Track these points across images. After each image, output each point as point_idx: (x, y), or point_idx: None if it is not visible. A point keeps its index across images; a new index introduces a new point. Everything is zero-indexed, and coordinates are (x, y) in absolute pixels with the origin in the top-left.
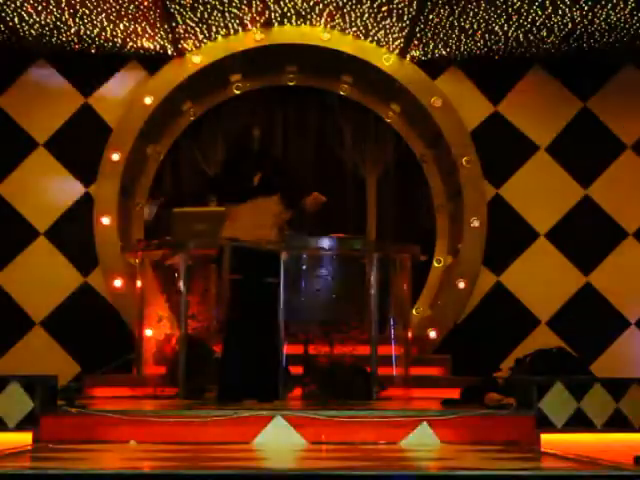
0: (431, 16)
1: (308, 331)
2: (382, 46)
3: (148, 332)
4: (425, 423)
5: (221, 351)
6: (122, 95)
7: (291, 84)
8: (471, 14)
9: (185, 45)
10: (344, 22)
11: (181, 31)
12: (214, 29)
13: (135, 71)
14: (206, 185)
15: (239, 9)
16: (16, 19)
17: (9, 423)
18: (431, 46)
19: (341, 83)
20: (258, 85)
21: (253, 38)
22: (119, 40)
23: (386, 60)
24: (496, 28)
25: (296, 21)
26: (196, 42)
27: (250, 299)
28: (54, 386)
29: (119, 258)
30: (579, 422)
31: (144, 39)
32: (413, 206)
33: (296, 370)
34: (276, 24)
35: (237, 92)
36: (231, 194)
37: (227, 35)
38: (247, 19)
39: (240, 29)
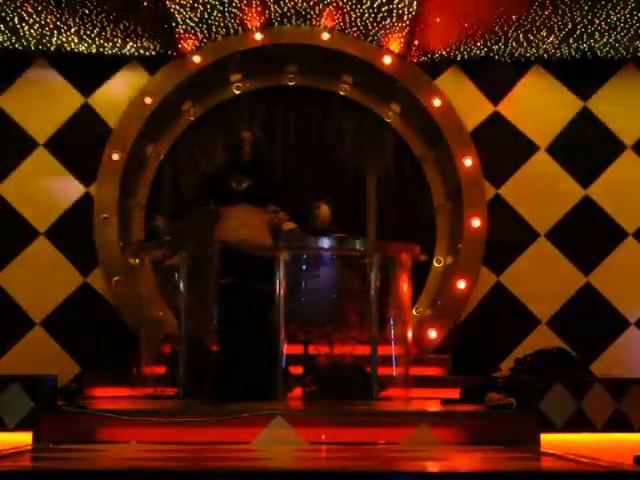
0: (431, 16)
1: (308, 331)
2: (382, 46)
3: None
4: (425, 423)
5: (216, 354)
6: (122, 95)
7: (291, 84)
8: (471, 14)
9: (185, 45)
10: (344, 22)
11: (181, 31)
12: (214, 29)
13: (135, 71)
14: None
15: (239, 9)
16: (16, 19)
17: (9, 423)
18: (431, 46)
19: (341, 83)
20: (258, 85)
21: (253, 38)
22: (119, 40)
23: (386, 60)
24: (496, 28)
25: (296, 21)
26: (196, 42)
27: (241, 305)
28: (54, 386)
29: (119, 258)
30: (579, 422)
31: (144, 39)
32: (413, 206)
33: (296, 370)
34: (276, 24)
35: (237, 92)
36: (218, 196)
37: (227, 35)
38: (247, 19)
39: (240, 29)
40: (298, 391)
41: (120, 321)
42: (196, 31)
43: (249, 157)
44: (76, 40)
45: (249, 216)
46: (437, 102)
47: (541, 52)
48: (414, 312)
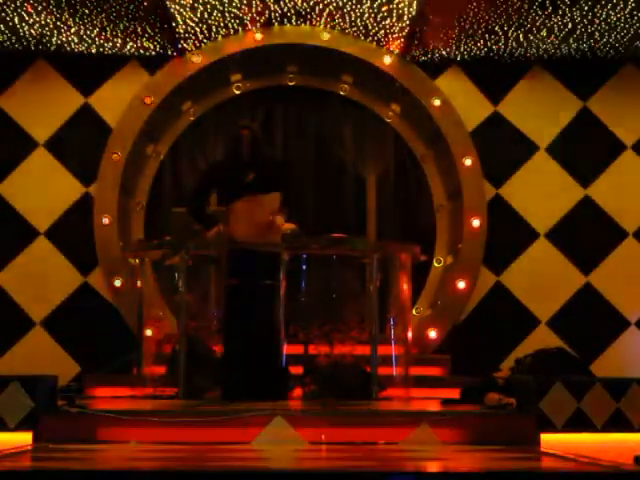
0: (431, 16)
1: (308, 331)
2: (382, 46)
3: (148, 332)
4: (425, 423)
5: (222, 352)
6: (122, 95)
7: (291, 84)
8: (471, 14)
9: (185, 45)
10: (344, 22)
11: (181, 31)
12: (214, 29)
13: (135, 71)
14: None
15: (239, 9)
16: (16, 19)
17: (9, 423)
18: (431, 46)
19: (341, 83)
20: (258, 85)
21: (253, 38)
22: (119, 40)
23: (386, 60)
24: (496, 28)
25: (296, 21)
26: (196, 42)
27: (247, 302)
28: (54, 386)
29: (119, 258)
30: (579, 422)
31: (144, 39)
32: (413, 206)
33: (296, 370)
34: (276, 24)
35: (237, 92)
36: (224, 191)
37: (227, 35)
38: (247, 19)
39: (240, 29)
40: (298, 391)
41: (120, 321)
42: (196, 31)
43: (249, 157)
44: (76, 40)
45: (254, 214)
46: (437, 102)
47: (541, 52)
48: (414, 312)
